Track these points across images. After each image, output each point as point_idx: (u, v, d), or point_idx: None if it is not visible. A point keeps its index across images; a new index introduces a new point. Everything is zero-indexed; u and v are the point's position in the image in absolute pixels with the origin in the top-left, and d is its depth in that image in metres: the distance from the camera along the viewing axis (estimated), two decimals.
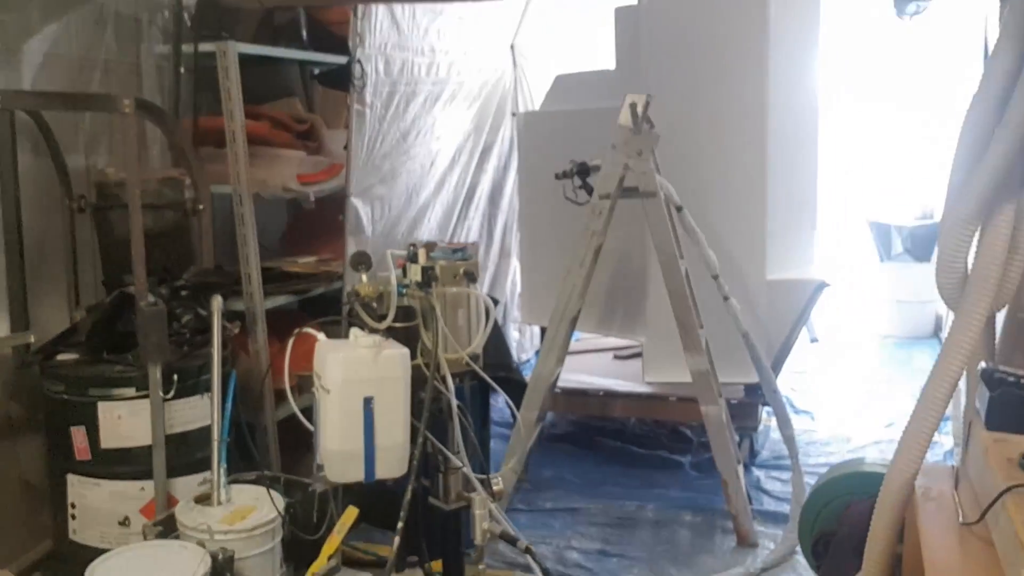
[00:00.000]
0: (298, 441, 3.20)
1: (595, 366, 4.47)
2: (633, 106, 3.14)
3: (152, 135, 3.47)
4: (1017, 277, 1.83)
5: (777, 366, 3.84)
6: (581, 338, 4.79)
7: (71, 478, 2.78)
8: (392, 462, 2.15)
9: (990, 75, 1.76)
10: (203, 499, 2.68)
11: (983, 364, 1.83)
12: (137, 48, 3.38)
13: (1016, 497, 1.44)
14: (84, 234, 3.16)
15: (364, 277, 2.30)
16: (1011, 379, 1.75)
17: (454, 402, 2.27)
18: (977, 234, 1.87)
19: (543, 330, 4.56)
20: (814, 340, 6.06)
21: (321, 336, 2.23)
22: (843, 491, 2.47)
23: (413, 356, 2.24)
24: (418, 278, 2.30)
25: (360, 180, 3.59)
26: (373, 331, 2.20)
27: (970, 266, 1.87)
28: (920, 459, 1.76)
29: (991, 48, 1.82)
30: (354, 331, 2.18)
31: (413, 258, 2.35)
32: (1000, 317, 1.97)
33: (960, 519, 1.66)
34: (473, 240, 4.90)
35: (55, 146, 2.99)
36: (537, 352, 5.39)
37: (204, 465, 2.78)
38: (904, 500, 1.80)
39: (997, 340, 2.00)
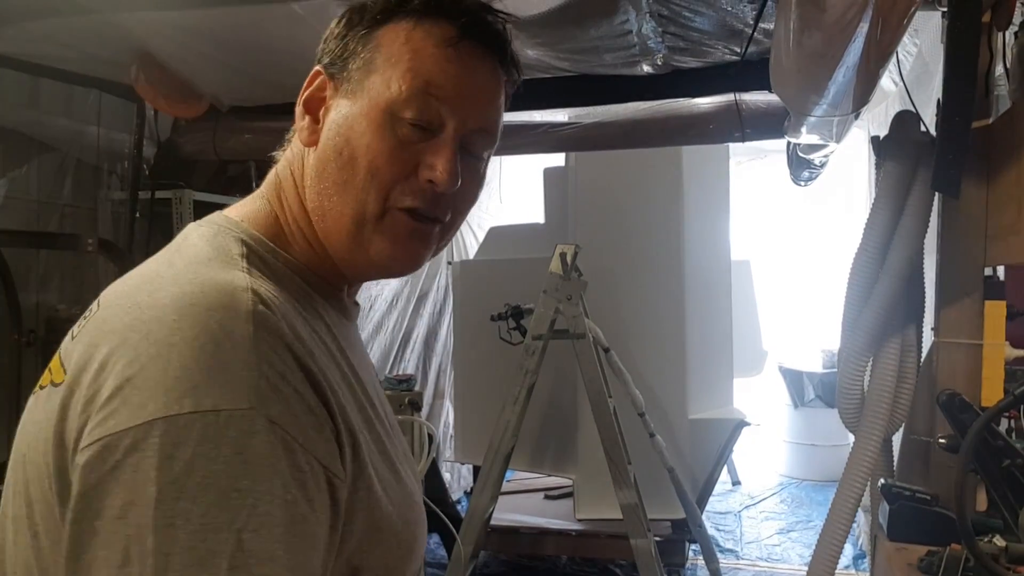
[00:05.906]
0: None
1: (526, 506, 4.54)
2: (563, 255, 3.42)
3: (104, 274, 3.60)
4: (907, 402, 2.09)
5: (702, 501, 4.01)
6: (512, 479, 4.88)
7: None
8: None
9: (871, 228, 2.08)
10: None
11: (882, 480, 2.04)
12: (95, 194, 3.56)
13: None
14: (28, 369, 3.20)
15: None
16: (907, 493, 1.96)
17: None
18: (871, 365, 2.14)
19: (475, 471, 4.65)
20: (736, 483, 6.27)
21: None
22: None
23: None
24: None
25: None
26: None
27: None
28: (834, 564, 1.93)
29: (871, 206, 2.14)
30: None
31: None
32: (897, 439, 2.22)
33: None
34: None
35: (11, 282, 3.08)
36: (466, 493, 5.46)
37: None
38: None
39: (896, 460, 2.23)
